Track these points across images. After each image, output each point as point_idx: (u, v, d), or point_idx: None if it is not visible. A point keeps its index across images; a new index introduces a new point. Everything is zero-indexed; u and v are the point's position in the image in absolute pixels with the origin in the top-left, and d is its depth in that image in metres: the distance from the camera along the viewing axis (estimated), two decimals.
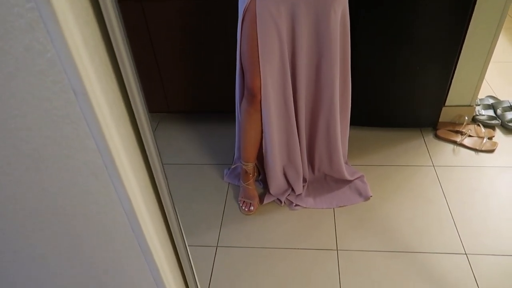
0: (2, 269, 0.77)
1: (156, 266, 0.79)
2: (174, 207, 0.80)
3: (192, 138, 2.01)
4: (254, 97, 1.38)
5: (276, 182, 1.62)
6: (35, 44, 0.42)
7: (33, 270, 0.78)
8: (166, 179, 0.75)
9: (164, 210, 0.79)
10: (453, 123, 1.97)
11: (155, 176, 0.69)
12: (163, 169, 0.73)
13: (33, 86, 0.46)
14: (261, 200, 1.64)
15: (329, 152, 1.63)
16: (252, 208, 1.61)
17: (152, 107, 2.09)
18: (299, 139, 1.55)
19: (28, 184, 0.60)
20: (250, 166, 1.60)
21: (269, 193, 1.64)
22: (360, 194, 1.65)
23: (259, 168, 1.70)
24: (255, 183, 1.68)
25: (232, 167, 1.74)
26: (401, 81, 1.79)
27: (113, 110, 0.54)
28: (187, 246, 0.96)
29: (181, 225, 0.89)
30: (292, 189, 1.64)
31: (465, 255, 1.42)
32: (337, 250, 1.46)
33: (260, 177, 1.72)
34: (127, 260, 0.77)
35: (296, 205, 1.62)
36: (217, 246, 1.50)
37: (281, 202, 1.63)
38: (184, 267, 0.99)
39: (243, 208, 1.62)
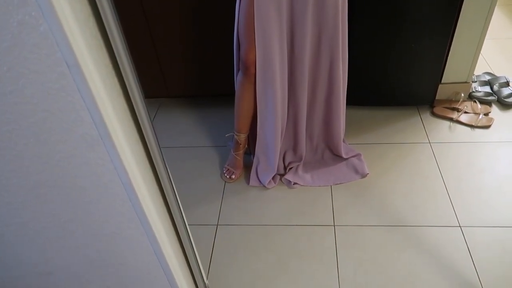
0: (10, 241, 0.81)
1: (156, 238, 0.82)
2: (170, 180, 0.83)
3: (192, 122, 2.04)
4: (247, 69, 1.44)
5: (267, 159, 1.66)
6: (28, 18, 0.44)
7: (39, 244, 0.81)
8: (162, 153, 0.78)
9: (161, 185, 0.82)
10: (450, 100, 1.98)
11: (150, 150, 0.72)
12: (158, 143, 0.76)
13: (28, 60, 0.49)
14: (247, 180, 1.69)
15: (327, 126, 1.67)
16: (233, 176, 1.70)
17: (152, 92, 2.12)
18: (298, 113, 1.58)
19: (30, 157, 0.63)
20: (242, 137, 1.66)
21: (257, 176, 1.68)
22: (356, 171, 1.67)
23: (250, 142, 1.74)
24: (243, 155, 1.74)
25: (226, 135, 1.81)
26: (397, 59, 1.80)
27: (106, 84, 0.57)
28: (186, 221, 0.99)
29: (178, 200, 0.92)
30: (279, 174, 1.69)
31: (459, 227, 1.45)
32: (334, 225, 1.50)
33: (249, 150, 1.77)
34: (128, 232, 0.80)
35: (295, 183, 1.65)
36: (217, 225, 1.54)
37: (264, 186, 1.66)
38: (184, 241, 1.03)
39: (225, 175, 1.71)
